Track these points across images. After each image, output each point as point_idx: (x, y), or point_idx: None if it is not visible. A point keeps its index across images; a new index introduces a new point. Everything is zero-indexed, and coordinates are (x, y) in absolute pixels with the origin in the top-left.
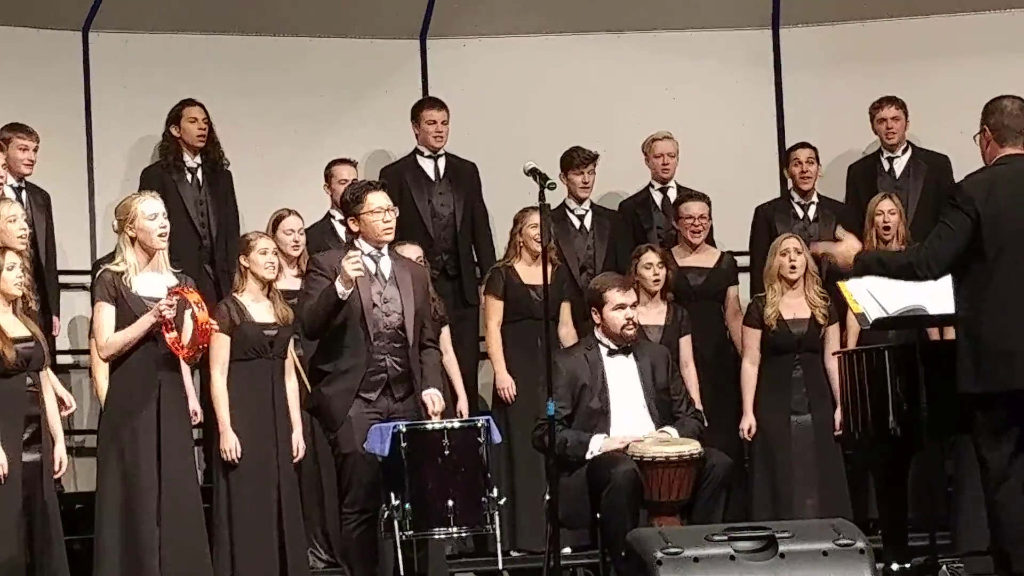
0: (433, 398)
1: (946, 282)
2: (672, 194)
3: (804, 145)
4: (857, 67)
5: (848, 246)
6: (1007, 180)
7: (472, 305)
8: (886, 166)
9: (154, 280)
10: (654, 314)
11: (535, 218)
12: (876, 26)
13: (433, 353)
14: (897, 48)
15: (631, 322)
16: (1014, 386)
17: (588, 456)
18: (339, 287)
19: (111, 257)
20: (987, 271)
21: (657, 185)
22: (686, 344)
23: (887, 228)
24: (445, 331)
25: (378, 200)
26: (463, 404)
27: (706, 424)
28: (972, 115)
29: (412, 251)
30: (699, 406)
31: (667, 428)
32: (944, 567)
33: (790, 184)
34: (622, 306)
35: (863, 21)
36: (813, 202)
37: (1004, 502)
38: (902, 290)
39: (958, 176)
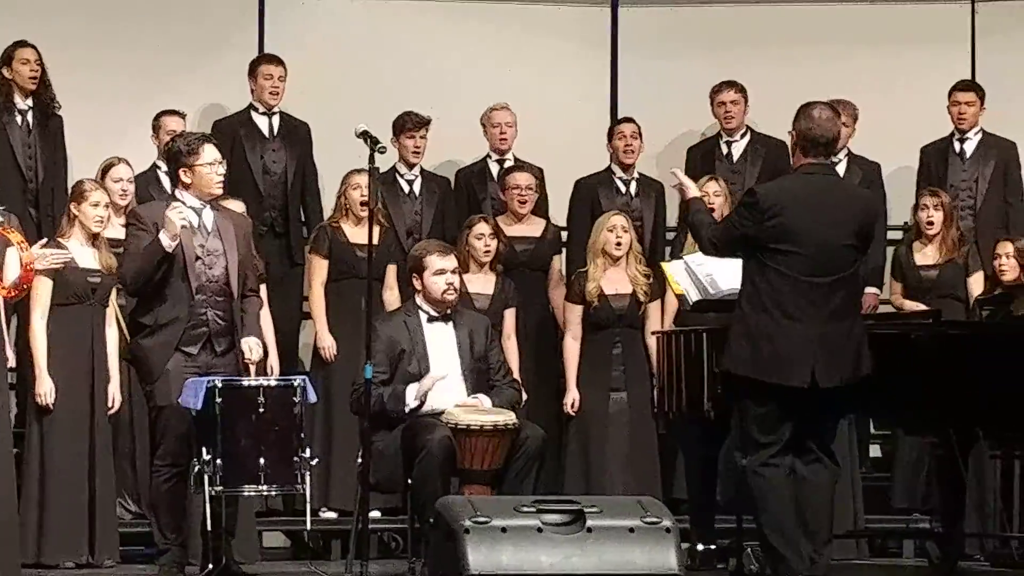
0: (251, 345)
1: None
2: (509, 165)
3: (628, 120)
4: (694, 50)
5: (687, 185)
6: (803, 192)
7: (299, 264)
8: (724, 149)
9: None
10: (482, 284)
11: (360, 179)
12: (715, 11)
13: (254, 302)
14: (734, 34)
15: (452, 287)
16: (789, 383)
17: (407, 409)
18: (164, 240)
19: None
20: (778, 274)
21: (495, 156)
22: (510, 316)
23: (712, 210)
24: (263, 289)
25: (213, 152)
26: (274, 361)
27: (524, 396)
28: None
29: (236, 206)
30: (518, 378)
31: (481, 396)
32: (748, 550)
33: (611, 159)
34: (442, 271)
35: (702, 5)
36: (634, 178)
37: (771, 488)
38: (723, 274)
39: None
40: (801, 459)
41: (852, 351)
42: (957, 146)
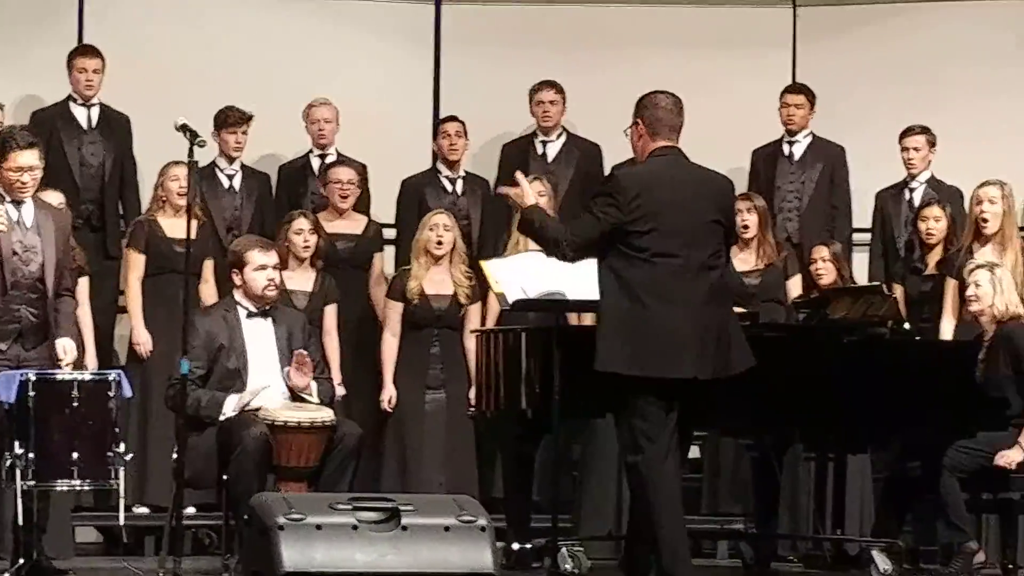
0: (65, 347)
1: (589, 268)
2: (331, 161)
3: (452, 119)
4: (516, 49)
5: (526, 191)
6: (663, 172)
7: (114, 257)
8: (540, 149)
9: None
10: (302, 280)
11: (178, 170)
12: (538, 10)
13: (68, 302)
14: (558, 34)
15: (272, 283)
16: (672, 375)
17: (222, 417)
18: None
19: None
20: (646, 260)
21: (316, 151)
22: (331, 312)
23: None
24: (83, 282)
25: (22, 159)
26: (91, 359)
27: (342, 392)
28: (626, 107)
29: (54, 197)
30: (338, 375)
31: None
32: (564, 549)
33: (437, 157)
34: (263, 267)
35: (525, 4)
36: (460, 176)
37: (659, 491)
38: (543, 274)
39: (607, 165)
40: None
41: (733, 342)
42: (786, 148)
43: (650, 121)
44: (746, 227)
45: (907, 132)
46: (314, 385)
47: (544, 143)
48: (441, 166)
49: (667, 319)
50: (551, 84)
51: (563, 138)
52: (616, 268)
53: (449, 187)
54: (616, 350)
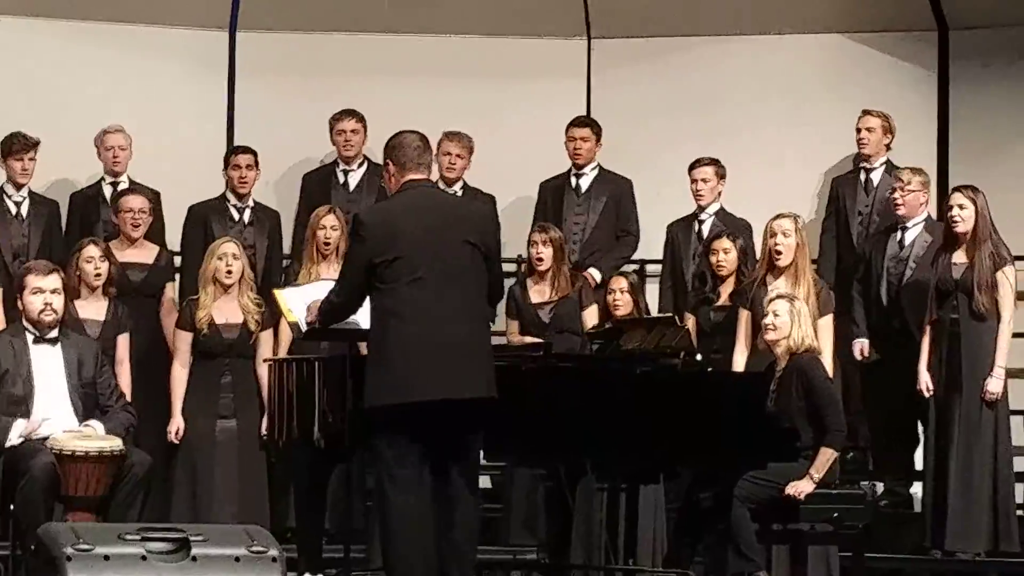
0: None
1: None
2: (123, 188)
3: (244, 150)
4: (311, 77)
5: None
6: (408, 203)
7: None
8: (341, 178)
9: None
10: (94, 309)
11: None
12: (331, 39)
13: None
14: (351, 62)
15: (49, 307)
16: (418, 398)
17: (8, 444)
18: None
19: None
20: (396, 289)
21: (108, 179)
22: (123, 341)
23: (327, 243)
24: None
25: None
26: None
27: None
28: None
29: None
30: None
31: (92, 422)
32: None
33: (226, 186)
34: (39, 291)
35: (318, 33)
36: (248, 206)
37: (400, 524)
38: None
39: None
40: (444, 486)
41: (476, 364)
42: (573, 181)
43: (399, 161)
44: (540, 259)
45: (696, 164)
46: (100, 426)
47: (346, 172)
48: (230, 194)
49: (413, 342)
50: (352, 113)
51: (365, 167)
52: (374, 303)
53: (236, 216)
54: (371, 384)
